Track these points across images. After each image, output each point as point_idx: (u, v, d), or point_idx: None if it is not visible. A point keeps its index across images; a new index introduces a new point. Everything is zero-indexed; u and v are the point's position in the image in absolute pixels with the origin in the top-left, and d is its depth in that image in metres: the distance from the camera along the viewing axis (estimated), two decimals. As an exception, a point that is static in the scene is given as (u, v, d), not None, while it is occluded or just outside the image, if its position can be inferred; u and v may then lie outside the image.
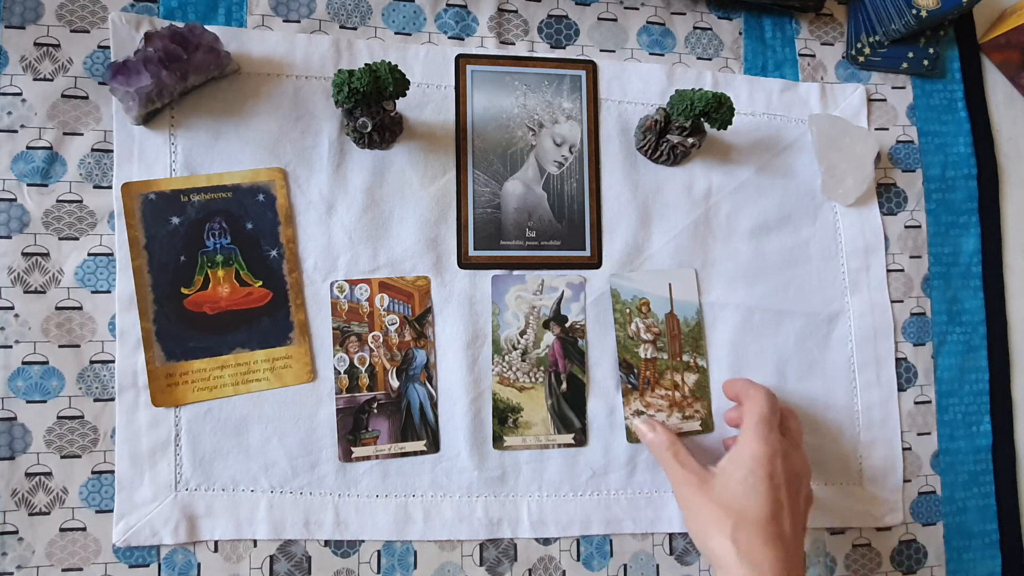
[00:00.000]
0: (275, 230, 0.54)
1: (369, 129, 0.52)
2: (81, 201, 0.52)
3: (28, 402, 0.50)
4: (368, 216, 0.55)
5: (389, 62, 0.49)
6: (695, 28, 0.63)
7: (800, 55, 0.64)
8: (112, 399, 0.51)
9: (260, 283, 0.53)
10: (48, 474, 0.50)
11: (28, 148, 0.52)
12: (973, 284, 0.64)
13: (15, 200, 0.51)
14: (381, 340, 0.55)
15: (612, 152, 0.59)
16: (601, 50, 0.61)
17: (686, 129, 0.56)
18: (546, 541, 0.55)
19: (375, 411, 0.54)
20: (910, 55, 0.64)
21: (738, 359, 0.59)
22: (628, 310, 0.56)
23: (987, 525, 0.62)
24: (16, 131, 0.52)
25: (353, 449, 0.53)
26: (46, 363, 0.51)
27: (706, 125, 0.56)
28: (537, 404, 0.56)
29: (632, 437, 0.56)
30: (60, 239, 0.52)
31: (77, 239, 0.52)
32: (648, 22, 0.62)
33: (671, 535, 0.57)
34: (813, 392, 0.60)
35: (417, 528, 0.54)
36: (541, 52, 0.60)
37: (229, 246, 0.53)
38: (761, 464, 0.48)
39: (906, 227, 0.63)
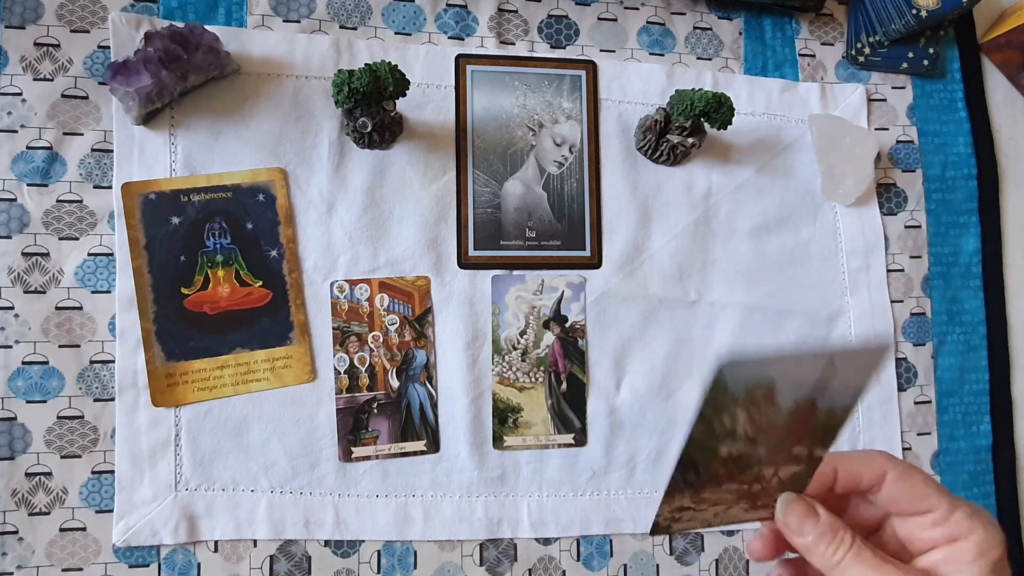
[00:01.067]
0: (275, 230, 0.54)
1: (369, 129, 0.52)
2: (81, 201, 0.52)
3: (28, 402, 0.50)
4: (368, 216, 0.55)
5: (389, 62, 0.49)
6: (695, 28, 0.63)
7: (800, 55, 0.64)
8: (112, 399, 0.51)
9: (260, 283, 0.53)
10: (48, 474, 0.50)
11: (28, 148, 0.52)
12: (973, 284, 0.64)
13: (15, 200, 0.51)
14: (381, 340, 0.55)
15: (612, 152, 0.59)
16: (601, 50, 0.61)
17: (686, 129, 0.56)
18: (546, 541, 0.55)
19: (375, 411, 0.54)
20: (910, 55, 0.64)
21: (738, 359, 0.59)
22: (732, 399, 0.31)
23: (987, 525, 0.62)
24: (16, 131, 0.52)
25: (353, 449, 0.53)
26: (46, 363, 0.51)
27: (706, 125, 0.56)
28: (537, 404, 0.56)
29: (661, 529, 0.36)
30: (60, 239, 0.52)
31: (77, 239, 0.52)
32: (648, 22, 0.62)
33: (671, 535, 0.57)
34: (813, 392, 0.60)
35: (417, 528, 0.54)
36: (541, 52, 0.60)
37: (229, 246, 0.53)
38: None
39: (906, 227, 0.63)
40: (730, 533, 0.58)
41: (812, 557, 0.34)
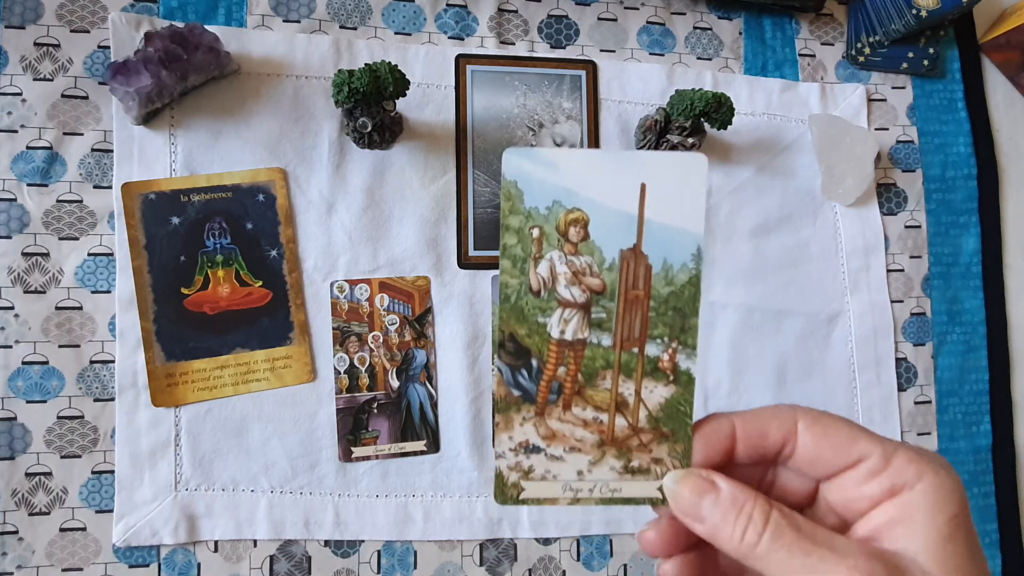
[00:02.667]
0: (275, 230, 0.54)
1: (369, 129, 0.52)
2: (81, 201, 0.52)
3: (28, 402, 0.50)
4: (368, 216, 0.55)
5: (389, 62, 0.49)
6: (695, 28, 0.63)
7: (800, 55, 0.64)
8: (112, 399, 0.51)
9: (260, 283, 0.53)
10: (48, 474, 0.50)
11: (28, 148, 0.52)
12: (973, 284, 0.64)
13: (15, 200, 0.51)
14: (381, 340, 0.55)
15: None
16: (601, 50, 0.61)
17: (686, 129, 0.56)
18: (546, 541, 0.55)
19: (375, 411, 0.54)
20: (910, 55, 0.64)
21: (738, 359, 0.59)
22: (537, 228, 0.27)
23: (987, 525, 0.62)
24: (16, 131, 0.52)
25: (353, 449, 0.53)
26: (46, 363, 0.51)
27: (706, 125, 0.56)
28: (537, 404, 0.56)
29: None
30: (60, 239, 0.52)
31: (77, 239, 0.52)
32: (648, 22, 0.62)
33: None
34: (813, 392, 0.60)
35: (417, 528, 0.53)
36: (541, 52, 0.60)
37: (229, 246, 0.53)
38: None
39: (906, 227, 0.63)
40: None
41: (721, 544, 0.26)
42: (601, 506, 0.29)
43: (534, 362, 0.28)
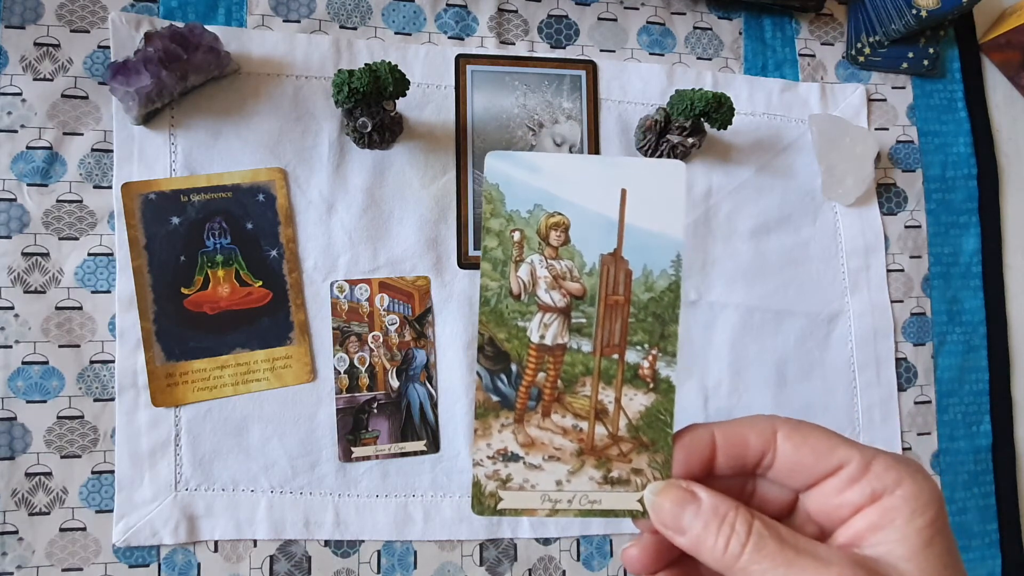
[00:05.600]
0: (275, 230, 0.54)
1: (369, 129, 0.52)
2: (81, 201, 0.52)
3: (28, 402, 0.50)
4: (368, 216, 0.55)
5: (389, 62, 0.49)
6: (695, 28, 0.63)
7: (800, 55, 0.64)
8: (112, 399, 0.51)
9: (260, 283, 0.53)
10: (48, 474, 0.50)
11: (28, 148, 0.52)
12: (973, 284, 0.64)
13: (15, 200, 0.51)
14: (381, 340, 0.55)
15: (612, 152, 0.59)
16: (601, 50, 0.61)
17: (686, 129, 0.56)
18: (546, 541, 0.55)
19: (375, 411, 0.54)
20: (910, 55, 0.64)
21: (738, 359, 0.59)
22: (518, 231, 0.27)
23: (987, 525, 0.62)
24: (16, 131, 0.52)
25: (353, 449, 0.53)
26: (46, 363, 0.51)
27: (706, 125, 0.56)
28: (537, 404, 0.56)
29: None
30: (60, 239, 0.52)
31: (77, 239, 0.52)
32: (648, 22, 0.62)
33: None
34: (813, 392, 0.60)
35: (417, 528, 0.53)
36: (541, 52, 0.60)
37: (229, 246, 0.53)
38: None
39: (906, 227, 0.63)
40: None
41: (703, 556, 0.25)
42: (580, 518, 0.29)
43: (513, 367, 0.28)
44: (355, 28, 0.58)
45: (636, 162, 0.27)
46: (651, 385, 0.28)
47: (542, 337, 0.27)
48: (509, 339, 0.27)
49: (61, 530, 0.50)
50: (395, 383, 0.54)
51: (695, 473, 0.27)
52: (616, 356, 0.28)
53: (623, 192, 0.27)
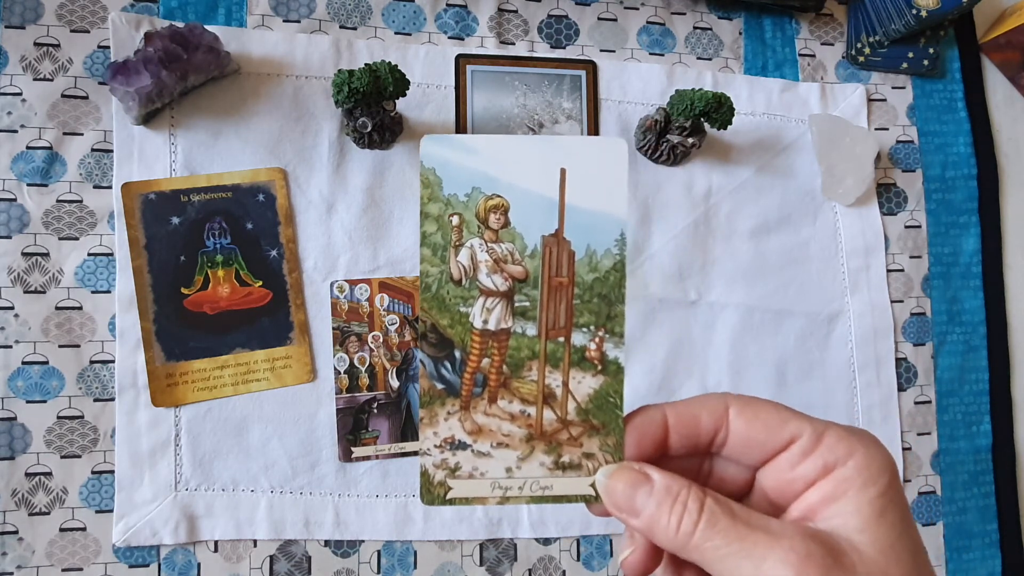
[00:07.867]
0: (275, 230, 0.54)
1: (369, 129, 0.52)
2: (81, 201, 0.52)
3: (28, 402, 0.50)
4: (368, 216, 0.55)
5: (389, 62, 0.49)
6: (695, 28, 0.63)
7: (800, 55, 0.64)
8: (112, 399, 0.51)
9: (260, 283, 0.53)
10: (48, 474, 0.50)
11: (28, 148, 0.52)
12: (973, 284, 0.64)
13: (15, 200, 0.51)
14: (381, 340, 0.55)
15: (612, 152, 0.59)
16: (601, 50, 0.61)
17: (686, 129, 0.56)
18: (546, 541, 0.55)
19: (375, 411, 0.54)
20: (910, 55, 0.64)
21: (738, 359, 0.59)
22: (456, 215, 0.27)
23: (987, 525, 0.62)
24: (16, 131, 0.52)
25: (353, 449, 0.53)
26: (46, 363, 0.51)
27: (706, 125, 0.56)
28: (537, 404, 0.56)
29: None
30: (60, 239, 0.52)
31: (77, 239, 0.52)
32: (648, 22, 0.62)
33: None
34: (813, 392, 0.60)
35: (417, 528, 0.53)
36: (541, 52, 0.60)
37: (229, 246, 0.53)
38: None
39: (906, 227, 0.63)
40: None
41: (657, 537, 0.25)
42: (532, 504, 0.29)
43: (457, 353, 0.27)
44: (355, 28, 0.58)
45: (576, 140, 0.27)
46: (599, 367, 0.28)
47: (485, 322, 0.27)
48: (452, 325, 0.27)
49: (61, 530, 0.50)
50: (395, 383, 0.54)
51: (648, 454, 0.27)
52: (562, 339, 0.27)
53: (563, 171, 0.26)
